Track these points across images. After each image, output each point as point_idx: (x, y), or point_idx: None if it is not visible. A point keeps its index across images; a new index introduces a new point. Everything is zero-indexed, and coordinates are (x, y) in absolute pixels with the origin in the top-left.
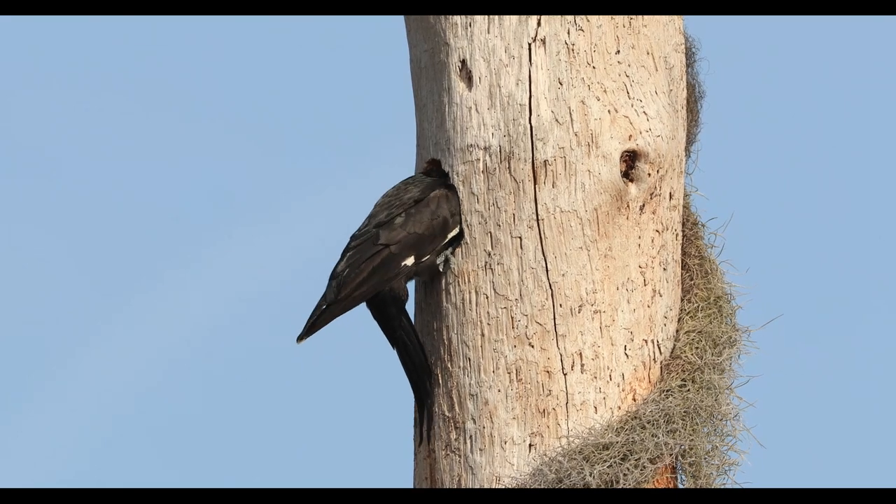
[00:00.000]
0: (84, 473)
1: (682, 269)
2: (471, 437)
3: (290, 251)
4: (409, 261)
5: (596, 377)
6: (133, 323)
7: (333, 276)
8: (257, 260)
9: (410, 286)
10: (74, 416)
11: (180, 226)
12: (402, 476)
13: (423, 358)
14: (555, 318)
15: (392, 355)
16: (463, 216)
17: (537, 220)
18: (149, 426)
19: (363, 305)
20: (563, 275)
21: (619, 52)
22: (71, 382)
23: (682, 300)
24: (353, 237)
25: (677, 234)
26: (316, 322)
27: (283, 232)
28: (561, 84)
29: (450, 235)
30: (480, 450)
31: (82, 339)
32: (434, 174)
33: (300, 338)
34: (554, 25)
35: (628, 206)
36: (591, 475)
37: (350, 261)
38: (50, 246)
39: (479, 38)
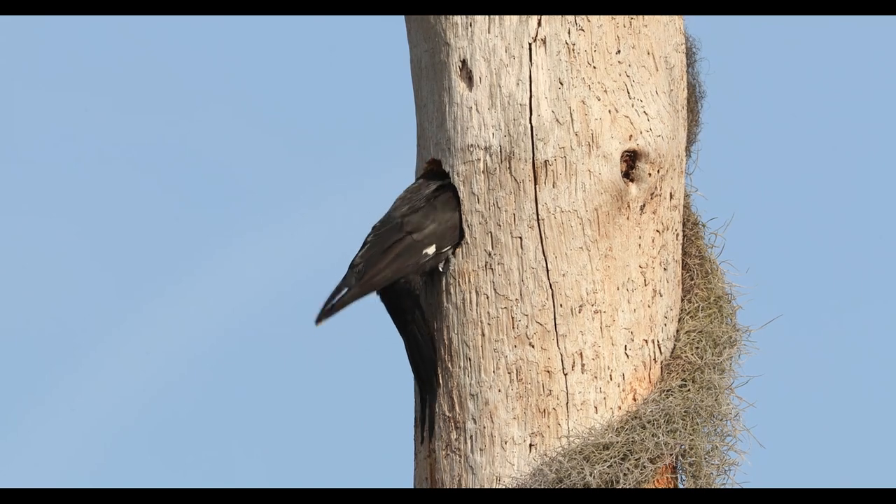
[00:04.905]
0: (98, 473)
1: (682, 269)
2: (471, 437)
3: (299, 252)
4: (431, 250)
5: (596, 377)
6: (148, 324)
7: (353, 264)
8: (271, 260)
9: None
10: (90, 415)
11: (197, 225)
12: (402, 476)
13: (432, 354)
14: (555, 318)
15: (394, 355)
16: (463, 216)
17: (538, 220)
18: (163, 426)
19: (376, 300)
20: (564, 275)
21: (619, 52)
22: (86, 382)
23: (682, 300)
24: (374, 227)
25: (678, 234)
26: (336, 304)
27: (289, 233)
28: (561, 84)
29: (459, 233)
30: (481, 450)
31: (97, 338)
32: (436, 174)
33: (318, 320)
34: (554, 25)
35: (629, 206)
36: (591, 475)
37: (372, 248)
38: (68, 246)
39: (479, 38)
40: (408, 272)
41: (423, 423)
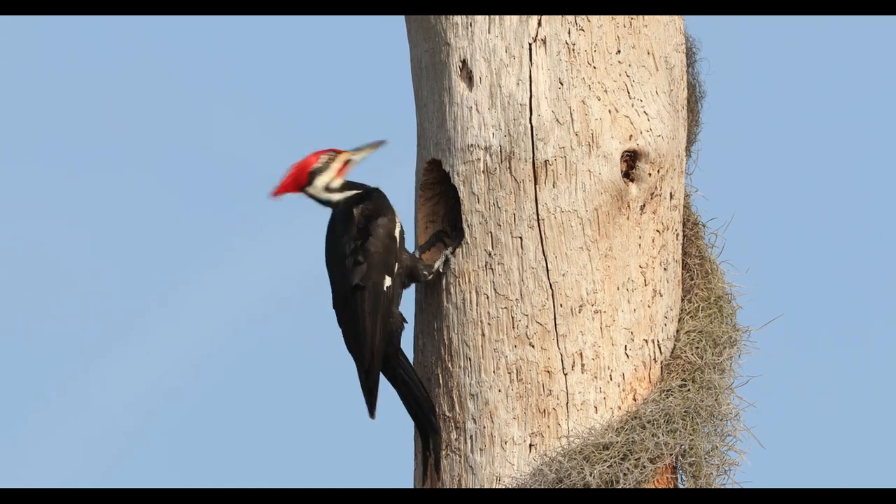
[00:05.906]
0: (107, 474)
1: (682, 269)
2: (471, 436)
3: (307, 254)
4: (388, 281)
5: (596, 377)
6: (155, 327)
7: (349, 348)
8: (278, 263)
9: (410, 305)
10: (99, 419)
11: (204, 228)
12: (401, 476)
13: (424, 393)
14: (555, 318)
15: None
16: (463, 216)
17: (538, 220)
18: (172, 429)
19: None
20: (564, 275)
21: (619, 51)
22: (94, 387)
23: (682, 300)
24: (332, 278)
25: (678, 234)
26: (371, 389)
27: (295, 235)
28: (561, 84)
29: (397, 231)
30: (481, 450)
31: (106, 343)
32: (433, 173)
33: (371, 414)
34: (554, 25)
35: (629, 205)
36: (591, 475)
37: (344, 312)
38: (70, 248)
39: (479, 38)
40: (390, 309)
41: (426, 458)
